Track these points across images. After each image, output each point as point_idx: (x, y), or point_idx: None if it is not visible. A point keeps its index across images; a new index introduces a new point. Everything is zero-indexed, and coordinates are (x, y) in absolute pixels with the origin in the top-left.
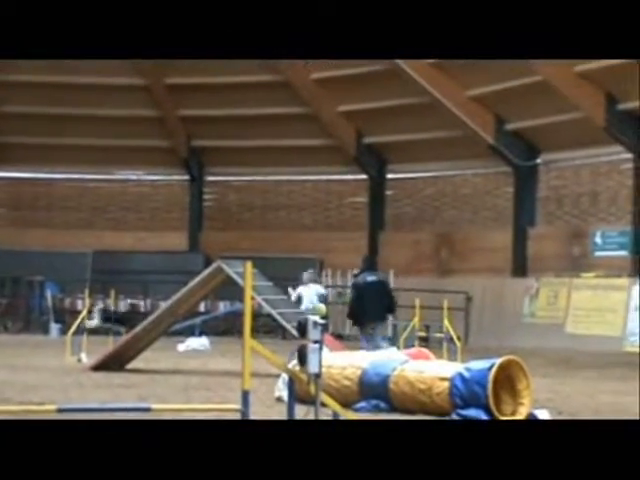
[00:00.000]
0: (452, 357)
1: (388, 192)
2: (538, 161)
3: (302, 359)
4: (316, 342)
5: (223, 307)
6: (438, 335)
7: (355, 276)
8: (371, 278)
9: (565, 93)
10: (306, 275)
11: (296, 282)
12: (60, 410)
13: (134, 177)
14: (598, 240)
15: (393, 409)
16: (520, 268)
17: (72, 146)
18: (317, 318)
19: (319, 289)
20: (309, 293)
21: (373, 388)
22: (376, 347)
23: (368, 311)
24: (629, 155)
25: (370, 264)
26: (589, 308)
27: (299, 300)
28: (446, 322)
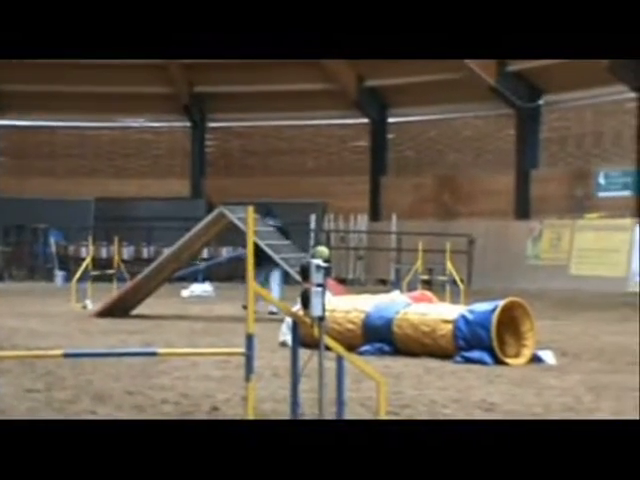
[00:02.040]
0: (455, 300)
1: (390, 136)
2: (540, 102)
3: (305, 303)
4: (319, 285)
5: (226, 253)
6: (441, 278)
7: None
8: (270, 223)
9: None
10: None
11: (300, 227)
12: (66, 355)
13: (136, 124)
14: (601, 181)
15: (397, 352)
16: (523, 210)
17: (73, 93)
18: (320, 261)
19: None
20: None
21: (377, 331)
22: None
23: (263, 255)
24: (633, 94)
25: (268, 210)
26: (592, 249)
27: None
28: (449, 265)
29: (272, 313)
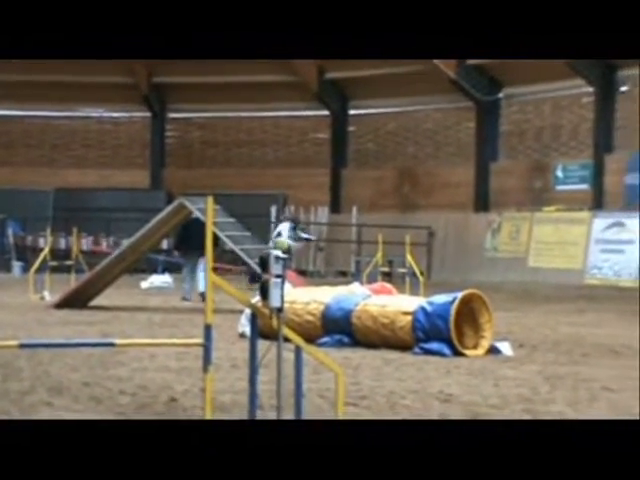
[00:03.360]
0: (415, 292)
1: (350, 128)
2: (500, 96)
3: (264, 294)
4: (278, 276)
5: None
6: (401, 270)
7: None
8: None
9: None
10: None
11: (260, 218)
12: (22, 345)
13: (95, 114)
14: (559, 174)
15: (356, 343)
16: (482, 203)
17: (32, 83)
18: (279, 252)
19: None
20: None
21: (336, 323)
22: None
23: (190, 243)
24: (590, 89)
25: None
26: (551, 242)
27: (279, 235)
28: (409, 257)
29: (185, 299)
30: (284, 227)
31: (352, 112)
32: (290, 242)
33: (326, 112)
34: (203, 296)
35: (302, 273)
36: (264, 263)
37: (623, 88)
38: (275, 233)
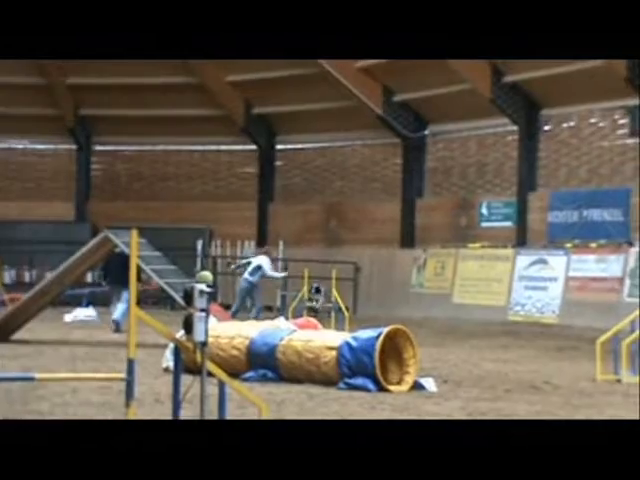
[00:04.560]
0: (340, 327)
1: (277, 163)
2: (426, 132)
3: (188, 328)
4: (202, 310)
5: None
6: (327, 305)
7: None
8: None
9: (452, 65)
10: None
11: (186, 252)
12: None
13: (20, 146)
14: (484, 211)
15: (281, 378)
16: (408, 239)
17: None
18: (203, 286)
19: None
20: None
21: (261, 358)
22: (125, 311)
23: (114, 276)
24: (514, 127)
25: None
26: (475, 278)
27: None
28: (335, 292)
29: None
30: (264, 260)
31: (279, 147)
32: (264, 273)
33: (253, 147)
34: (116, 324)
35: (228, 307)
36: (188, 297)
37: (546, 127)
38: (253, 266)
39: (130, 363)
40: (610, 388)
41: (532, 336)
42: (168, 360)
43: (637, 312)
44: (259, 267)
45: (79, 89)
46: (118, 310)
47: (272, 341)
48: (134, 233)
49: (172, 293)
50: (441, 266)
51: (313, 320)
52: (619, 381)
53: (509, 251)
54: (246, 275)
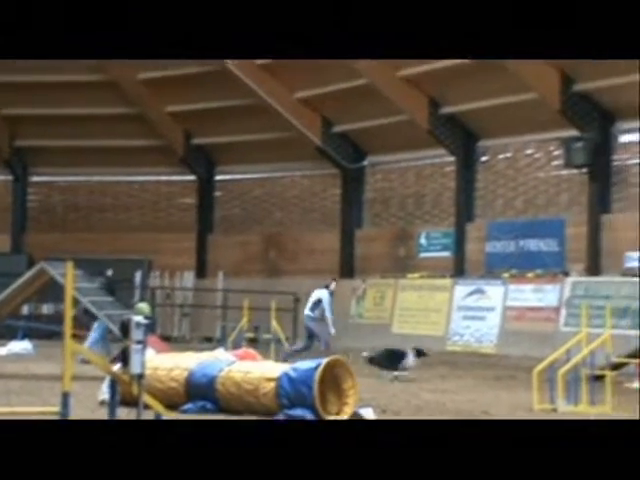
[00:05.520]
0: (280, 358)
1: (217, 193)
2: (365, 163)
3: (125, 360)
4: (139, 342)
5: (47, 310)
6: (266, 336)
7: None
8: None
9: (390, 96)
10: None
11: (124, 283)
12: None
13: None
14: (423, 241)
15: (220, 410)
16: (347, 269)
17: None
18: (140, 318)
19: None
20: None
21: (200, 389)
22: (95, 340)
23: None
24: (452, 158)
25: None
26: (414, 308)
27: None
28: (274, 323)
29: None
30: (324, 295)
31: (219, 177)
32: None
33: (193, 177)
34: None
35: (167, 339)
36: (125, 329)
37: (483, 158)
38: (313, 300)
39: (65, 396)
40: (546, 417)
41: (470, 366)
42: (104, 393)
43: (573, 342)
44: (319, 301)
45: (15, 120)
46: (88, 339)
47: (211, 372)
48: (69, 265)
49: (110, 325)
50: (380, 296)
51: (252, 351)
52: (555, 410)
53: (447, 281)
54: (307, 311)
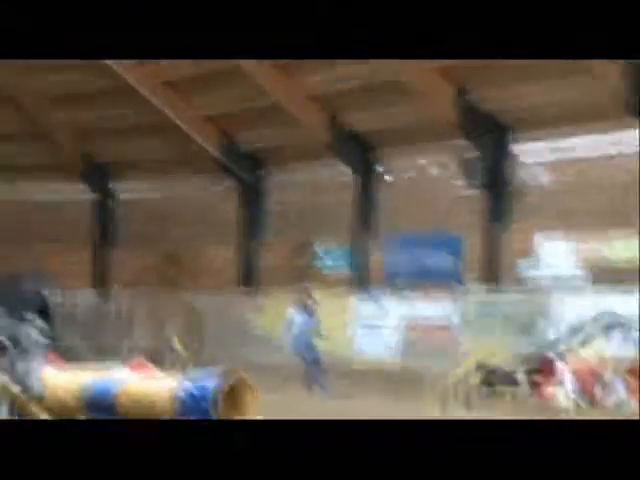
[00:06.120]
0: (178, 370)
1: (116, 210)
2: (264, 176)
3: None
4: (36, 360)
5: None
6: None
7: None
8: None
9: (291, 112)
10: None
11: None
12: None
13: None
14: (322, 255)
15: None
16: (247, 283)
17: None
18: (36, 333)
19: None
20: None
21: (97, 405)
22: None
23: None
24: (351, 172)
25: None
26: None
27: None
28: (175, 337)
29: None
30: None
31: (118, 194)
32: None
33: (92, 195)
34: None
35: (64, 354)
36: (15, 340)
37: (382, 172)
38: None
39: None
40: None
41: (373, 381)
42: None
43: (472, 355)
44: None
45: None
46: None
47: (109, 388)
48: None
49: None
50: (282, 310)
51: (145, 362)
52: None
53: (347, 296)
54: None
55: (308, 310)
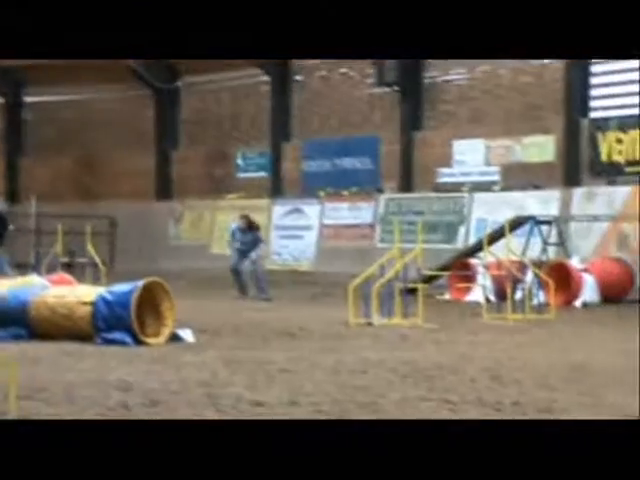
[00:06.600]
0: (97, 282)
1: (26, 116)
2: (179, 84)
3: None
4: None
5: None
6: (82, 260)
7: None
8: None
9: None
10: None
11: None
12: None
13: None
14: (240, 162)
15: (34, 336)
16: (164, 191)
17: None
18: None
19: None
20: None
21: (12, 315)
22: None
23: None
24: (267, 77)
25: None
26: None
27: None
28: (90, 247)
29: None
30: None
31: (28, 99)
32: None
33: (0, 100)
34: None
35: None
36: None
37: (297, 77)
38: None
39: None
40: (362, 331)
41: (289, 284)
42: None
43: (386, 257)
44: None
45: None
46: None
47: (24, 298)
48: None
49: None
50: (198, 218)
51: (67, 276)
52: (370, 324)
53: (265, 201)
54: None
55: (253, 228)
